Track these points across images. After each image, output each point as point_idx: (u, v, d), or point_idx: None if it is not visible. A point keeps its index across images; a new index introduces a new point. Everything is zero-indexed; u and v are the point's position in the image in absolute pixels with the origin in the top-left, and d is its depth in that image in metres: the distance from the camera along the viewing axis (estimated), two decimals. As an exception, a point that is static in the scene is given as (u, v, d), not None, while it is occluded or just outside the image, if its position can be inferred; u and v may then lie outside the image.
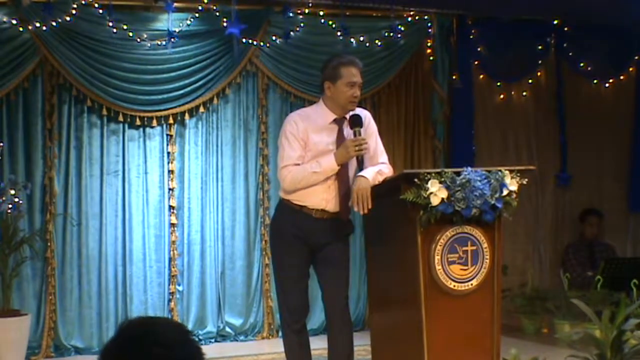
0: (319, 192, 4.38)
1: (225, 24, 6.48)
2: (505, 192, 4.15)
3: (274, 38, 6.80)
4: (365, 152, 4.33)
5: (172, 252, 6.63)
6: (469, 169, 4.11)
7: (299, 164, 4.34)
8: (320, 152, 4.37)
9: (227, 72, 6.71)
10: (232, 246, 6.81)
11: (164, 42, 6.43)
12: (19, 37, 6.16)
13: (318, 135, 4.39)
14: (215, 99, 6.74)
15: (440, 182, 4.00)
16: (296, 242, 4.43)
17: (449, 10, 7.38)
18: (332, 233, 4.44)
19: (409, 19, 7.24)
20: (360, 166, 4.35)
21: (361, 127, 4.36)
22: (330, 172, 4.34)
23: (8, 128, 6.24)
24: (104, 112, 6.44)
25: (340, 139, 4.42)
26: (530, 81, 7.88)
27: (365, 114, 4.51)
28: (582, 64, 7.99)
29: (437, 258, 4.10)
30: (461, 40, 7.49)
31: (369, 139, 4.41)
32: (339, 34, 6.88)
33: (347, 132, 4.43)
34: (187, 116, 6.67)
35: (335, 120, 4.43)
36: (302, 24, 6.84)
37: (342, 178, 4.40)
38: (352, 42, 6.96)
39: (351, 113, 4.40)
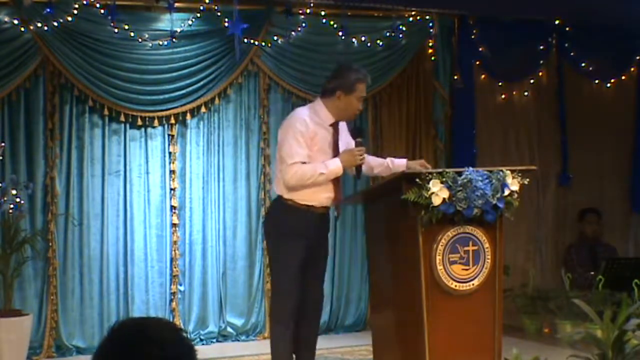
0: (324, 190, 4.63)
1: (226, 24, 6.48)
2: (506, 192, 4.16)
3: (275, 38, 6.80)
4: (363, 163, 4.66)
5: (173, 252, 6.63)
6: (471, 169, 4.12)
7: (305, 162, 4.53)
8: (322, 149, 4.62)
9: (229, 72, 6.71)
10: (233, 246, 6.81)
11: (165, 42, 6.44)
12: (21, 37, 6.15)
13: (324, 132, 4.64)
14: (216, 99, 6.74)
15: (442, 182, 4.01)
16: (298, 241, 4.58)
17: (450, 10, 7.37)
18: (326, 227, 4.79)
19: (411, 19, 7.24)
20: (359, 174, 4.71)
21: (363, 138, 4.75)
22: (334, 175, 4.61)
23: (9, 128, 6.23)
24: (106, 112, 6.44)
25: (335, 143, 4.68)
26: (531, 81, 7.87)
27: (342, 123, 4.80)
28: (583, 64, 7.98)
29: (438, 258, 4.10)
30: (463, 40, 7.49)
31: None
32: (340, 33, 6.88)
33: (344, 138, 4.75)
34: (188, 116, 6.67)
35: (332, 124, 4.68)
36: (303, 24, 6.84)
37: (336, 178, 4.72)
38: (353, 42, 6.96)
39: (352, 124, 4.91)
